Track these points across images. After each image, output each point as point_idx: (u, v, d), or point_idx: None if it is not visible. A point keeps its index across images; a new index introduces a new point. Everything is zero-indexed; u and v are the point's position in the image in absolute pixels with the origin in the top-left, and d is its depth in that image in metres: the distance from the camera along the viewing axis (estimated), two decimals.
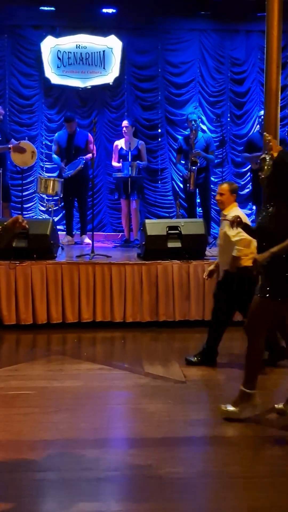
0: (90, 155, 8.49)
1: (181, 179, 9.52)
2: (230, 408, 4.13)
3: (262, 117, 8.57)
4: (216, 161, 9.20)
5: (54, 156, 8.90)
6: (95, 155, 8.76)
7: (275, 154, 4.00)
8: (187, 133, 8.95)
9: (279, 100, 6.02)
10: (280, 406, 4.27)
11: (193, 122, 8.72)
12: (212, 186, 9.17)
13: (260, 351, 4.16)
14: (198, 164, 8.53)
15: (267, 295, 4.02)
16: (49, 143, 9.57)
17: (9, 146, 8.44)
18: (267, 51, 5.90)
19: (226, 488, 3.28)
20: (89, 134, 8.71)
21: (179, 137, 8.97)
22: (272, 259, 3.94)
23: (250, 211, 10.15)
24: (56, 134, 9.09)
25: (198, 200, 9.05)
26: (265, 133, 4.25)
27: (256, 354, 4.12)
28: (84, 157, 8.49)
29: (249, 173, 9.85)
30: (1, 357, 5.99)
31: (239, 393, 4.13)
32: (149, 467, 3.45)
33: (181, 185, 10.01)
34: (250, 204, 10.11)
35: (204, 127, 9.65)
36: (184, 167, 8.71)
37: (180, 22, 9.88)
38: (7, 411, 4.30)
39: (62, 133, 8.92)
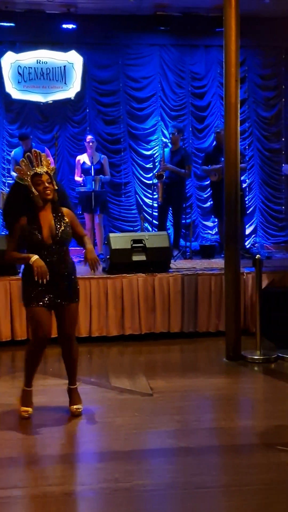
0: None
1: (149, 191, 9.62)
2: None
3: (218, 129, 8.77)
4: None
5: (13, 173, 8.85)
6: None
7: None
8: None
9: (239, 114, 6.09)
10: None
11: (170, 135, 8.81)
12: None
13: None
14: (164, 177, 8.59)
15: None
16: (11, 158, 9.52)
17: None
18: (226, 65, 5.97)
19: (193, 498, 3.28)
20: (46, 148, 8.68)
21: (166, 149, 9.01)
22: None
23: (213, 223, 10.26)
24: (13, 151, 9.01)
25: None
26: (33, 149, 4.55)
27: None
28: None
29: (209, 188, 9.98)
30: None
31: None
32: (116, 481, 3.44)
33: (145, 199, 10.08)
34: (212, 217, 10.23)
35: (166, 141, 9.72)
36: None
37: (140, 37, 9.98)
38: None
39: (19, 151, 8.85)
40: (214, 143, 9.25)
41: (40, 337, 4.33)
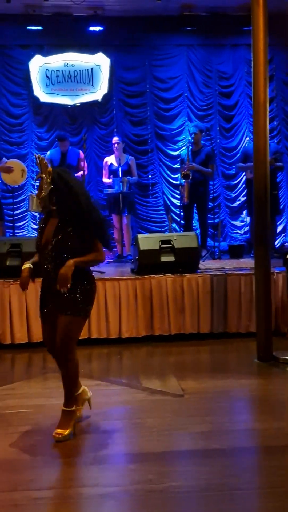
0: (81, 172, 8.54)
1: (176, 191, 9.57)
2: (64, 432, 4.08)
3: None
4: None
5: None
6: (86, 172, 8.81)
7: (50, 171, 4.04)
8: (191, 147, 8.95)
9: (268, 112, 6.05)
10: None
11: (192, 135, 8.79)
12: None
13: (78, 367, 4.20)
14: (191, 177, 8.57)
15: (82, 311, 4.06)
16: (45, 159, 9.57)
17: None
18: (254, 64, 5.94)
19: (227, 500, 3.27)
20: (80, 152, 8.75)
21: (185, 150, 9.00)
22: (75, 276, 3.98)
23: (242, 223, 10.20)
24: (48, 152, 9.10)
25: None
26: (35, 154, 4.29)
27: (76, 371, 4.17)
28: (77, 174, 8.47)
29: (242, 184, 9.93)
30: None
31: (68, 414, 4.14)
32: (149, 482, 3.44)
33: (173, 199, 10.07)
34: (241, 216, 10.18)
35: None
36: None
37: (166, 38, 9.98)
38: (5, 430, 4.28)
39: (55, 152, 8.95)
40: None
41: (46, 346, 4.22)
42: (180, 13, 9.51)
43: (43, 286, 4.15)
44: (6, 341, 6.61)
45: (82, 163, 8.64)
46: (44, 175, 4.02)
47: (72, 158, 8.72)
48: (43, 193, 4.02)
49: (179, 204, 9.39)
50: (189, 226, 8.92)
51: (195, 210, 8.98)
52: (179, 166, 9.12)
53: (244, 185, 10.13)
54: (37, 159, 4.11)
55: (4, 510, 3.21)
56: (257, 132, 6.00)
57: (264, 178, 5.98)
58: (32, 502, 3.27)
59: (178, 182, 9.55)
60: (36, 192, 4.13)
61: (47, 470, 3.65)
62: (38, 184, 4.08)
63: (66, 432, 4.05)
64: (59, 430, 4.06)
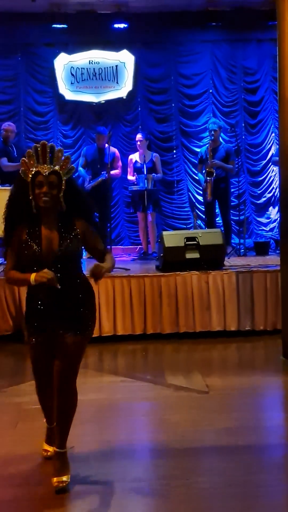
0: (116, 171, 8.56)
1: (201, 188, 9.55)
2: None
3: None
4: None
5: (80, 168, 8.91)
6: (119, 171, 8.78)
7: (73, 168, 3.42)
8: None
9: None
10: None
11: (212, 132, 8.75)
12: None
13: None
14: (214, 175, 8.53)
15: (90, 331, 3.49)
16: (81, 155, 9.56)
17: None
18: (280, 59, 5.89)
19: (252, 497, 3.25)
20: (116, 151, 8.74)
21: (204, 147, 8.99)
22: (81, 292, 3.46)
23: (267, 220, 10.13)
24: (85, 148, 9.18)
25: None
26: (35, 141, 3.61)
27: (76, 401, 3.43)
28: (110, 172, 8.34)
29: (267, 181, 9.86)
30: (24, 371, 5.99)
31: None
32: (175, 478, 3.44)
33: (198, 196, 10.03)
34: (267, 212, 10.11)
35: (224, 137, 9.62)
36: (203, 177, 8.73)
37: (191, 34, 9.95)
38: (31, 425, 4.31)
39: (90, 147, 9.00)
40: None
41: (39, 377, 3.57)
42: (204, 9, 9.47)
43: (40, 302, 3.39)
44: None
45: (118, 163, 8.67)
46: (60, 170, 3.33)
47: (106, 156, 8.68)
48: (61, 193, 3.34)
49: (202, 200, 9.38)
50: (212, 223, 8.89)
51: (217, 207, 8.94)
52: (197, 164, 9.09)
53: (269, 181, 10.09)
54: (45, 147, 3.32)
55: (31, 504, 3.24)
56: (283, 128, 5.95)
57: None
58: (57, 496, 3.28)
59: (198, 179, 9.52)
60: (43, 188, 3.31)
61: (72, 465, 3.65)
62: (42, 180, 3.32)
63: (66, 477, 3.37)
64: (58, 478, 3.34)
